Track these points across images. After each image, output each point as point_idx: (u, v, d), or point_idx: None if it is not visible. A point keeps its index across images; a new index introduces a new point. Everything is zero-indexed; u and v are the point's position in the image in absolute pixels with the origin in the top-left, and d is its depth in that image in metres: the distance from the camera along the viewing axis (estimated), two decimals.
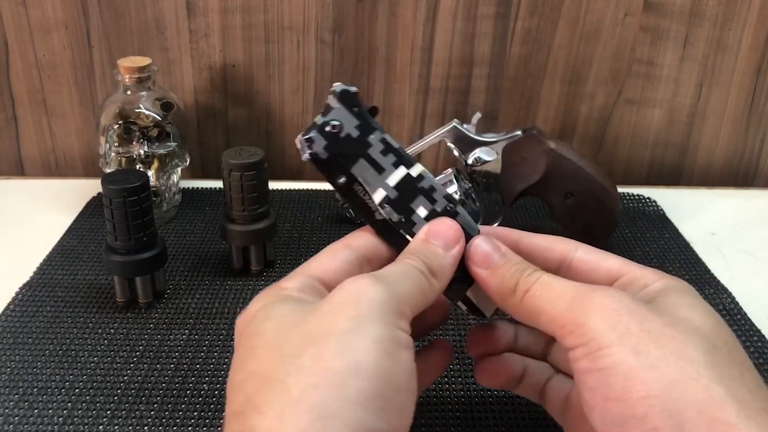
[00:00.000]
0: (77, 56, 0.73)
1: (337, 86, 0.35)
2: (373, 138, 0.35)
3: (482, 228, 0.37)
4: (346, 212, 0.66)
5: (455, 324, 0.53)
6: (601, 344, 0.29)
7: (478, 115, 0.61)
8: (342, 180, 0.35)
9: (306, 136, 0.35)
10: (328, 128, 0.35)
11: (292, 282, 0.33)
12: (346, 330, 0.28)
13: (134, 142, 0.63)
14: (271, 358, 0.28)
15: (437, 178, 0.59)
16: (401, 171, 0.36)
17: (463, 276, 0.36)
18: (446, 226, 0.35)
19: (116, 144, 0.63)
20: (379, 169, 0.35)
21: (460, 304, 0.37)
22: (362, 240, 0.36)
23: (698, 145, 0.78)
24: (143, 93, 0.64)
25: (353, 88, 0.35)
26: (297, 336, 0.29)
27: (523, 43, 0.73)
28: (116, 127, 0.63)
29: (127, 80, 0.63)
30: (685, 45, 0.73)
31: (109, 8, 0.71)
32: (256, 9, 0.71)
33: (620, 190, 0.67)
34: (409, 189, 0.35)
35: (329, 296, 0.30)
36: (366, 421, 0.26)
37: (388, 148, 0.35)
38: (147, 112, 0.64)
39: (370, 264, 0.35)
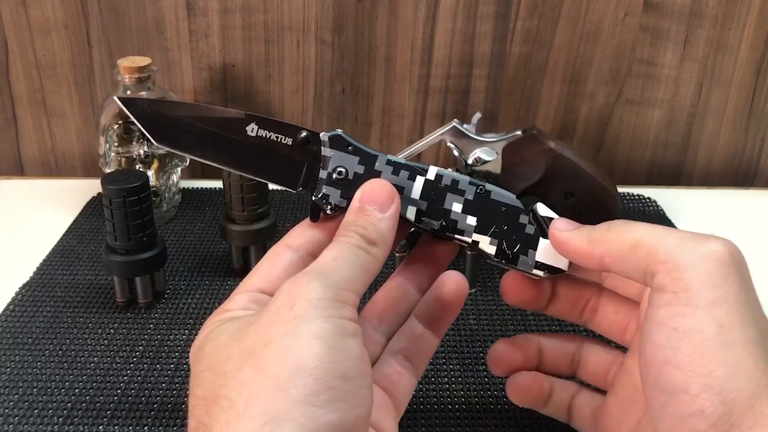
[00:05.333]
0: (77, 56, 0.73)
1: (323, 135, 0.35)
2: (379, 164, 0.36)
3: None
4: None
5: (455, 324, 0.52)
6: (690, 301, 0.27)
7: (478, 115, 0.61)
8: None
9: (319, 195, 0.35)
10: (335, 176, 0.35)
11: (235, 302, 0.32)
12: (284, 334, 0.27)
13: (134, 142, 0.63)
14: (214, 378, 0.28)
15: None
16: (419, 181, 0.36)
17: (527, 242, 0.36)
18: (378, 187, 0.33)
19: (116, 144, 0.63)
20: (399, 190, 0.35)
21: (535, 271, 0.36)
22: (302, 237, 0.34)
23: (698, 145, 0.78)
24: (143, 93, 0.63)
25: (339, 131, 0.36)
26: (237, 351, 0.28)
27: (523, 43, 0.73)
28: (116, 127, 0.63)
29: (126, 80, 0.63)
30: (685, 45, 0.73)
31: (108, 8, 0.71)
32: (256, 9, 0.71)
33: (620, 190, 0.67)
34: (434, 193, 0.36)
35: (268, 305, 0.29)
36: (317, 415, 0.26)
37: (396, 167, 0.36)
38: None
39: (314, 258, 0.33)
